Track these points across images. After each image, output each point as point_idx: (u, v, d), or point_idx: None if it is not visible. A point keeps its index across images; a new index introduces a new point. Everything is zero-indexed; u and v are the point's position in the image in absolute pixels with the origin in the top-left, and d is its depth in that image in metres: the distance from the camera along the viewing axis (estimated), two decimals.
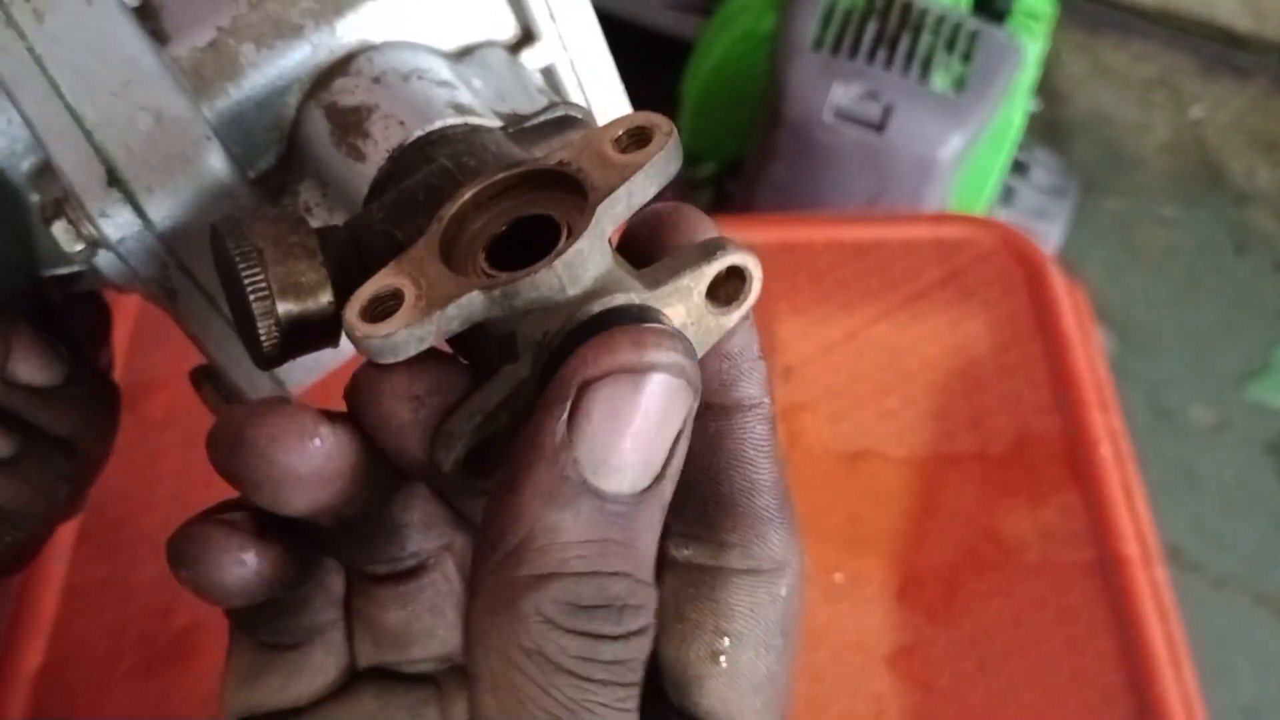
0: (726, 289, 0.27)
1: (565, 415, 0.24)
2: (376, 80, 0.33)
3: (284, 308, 0.28)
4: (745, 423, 0.28)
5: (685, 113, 1.37)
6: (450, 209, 0.27)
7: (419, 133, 0.32)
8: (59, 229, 0.33)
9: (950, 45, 1.22)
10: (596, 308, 0.26)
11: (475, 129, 0.32)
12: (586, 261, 0.26)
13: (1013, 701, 0.66)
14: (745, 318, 0.28)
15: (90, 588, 0.69)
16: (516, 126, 0.33)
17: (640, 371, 0.24)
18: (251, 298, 0.28)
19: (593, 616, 0.24)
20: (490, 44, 0.36)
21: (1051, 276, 0.83)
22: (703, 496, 0.28)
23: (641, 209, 0.27)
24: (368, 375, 0.27)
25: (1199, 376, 1.62)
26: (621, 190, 0.26)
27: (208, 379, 0.38)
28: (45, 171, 0.34)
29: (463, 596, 0.30)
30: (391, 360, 0.26)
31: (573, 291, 0.26)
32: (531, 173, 0.28)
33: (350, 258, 0.29)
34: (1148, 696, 0.65)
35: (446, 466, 0.26)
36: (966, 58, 1.21)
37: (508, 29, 0.37)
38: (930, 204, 1.23)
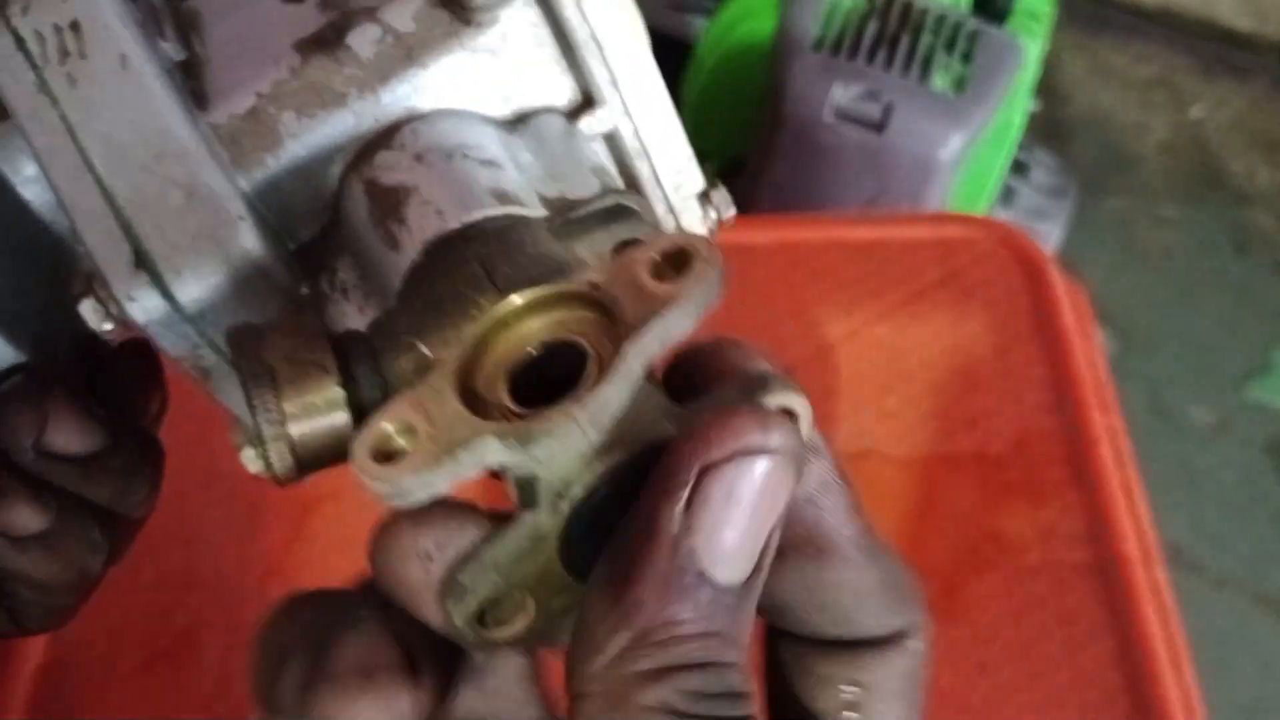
0: None
1: (684, 501, 0.23)
2: (419, 158, 0.31)
3: (297, 430, 0.27)
4: (836, 567, 0.28)
5: (685, 113, 1.37)
6: (471, 329, 0.26)
7: (454, 225, 0.30)
8: (87, 308, 0.31)
9: (950, 45, 1.21)
10: (618, 456, 0.24)
11: (515, 222, 0.30)
12: (610, 408, 0.24)
13: (1012, 701, 0.66)
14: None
15: None
16: (563, 217, 0.31)
17: (761, 454, 0.24)
18: (261, 421, 0.27)
19: (715, 705, 0.23)
20: (548, 109, 0.34)
21: (1051, 276, 0.83)
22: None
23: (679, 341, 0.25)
24: (377, 534, 0.26)
25: (1199, 377, 1.62)
26: (654, 329, 0.25)
27: (246, 441, 0.35)
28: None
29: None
30: (404, 506, 0.24)
31: (597, 439, 0.24)
32: (561, 294, 0.26)
33: (371, 372, 0.27)
34: (1147, 696, 0.65)
35: (458, 622, 0.25)
36: (967, 58, 1.21)
37: (566, 93, 0.34)
38: (930, 204, 1.23)
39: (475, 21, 0.32)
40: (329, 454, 0.27)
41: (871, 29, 1.21)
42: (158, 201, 0.30)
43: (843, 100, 1.19)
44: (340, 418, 0.27)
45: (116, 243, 0.30)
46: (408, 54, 0.32)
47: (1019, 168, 1.46)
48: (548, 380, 0.25)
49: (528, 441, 0.24)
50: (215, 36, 0.34)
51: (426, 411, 0.24)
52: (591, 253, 0.30)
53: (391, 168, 0.31)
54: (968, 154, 1.21)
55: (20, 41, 0.31)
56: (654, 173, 0.36)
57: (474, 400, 0.25)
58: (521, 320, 0.26)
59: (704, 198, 0.37)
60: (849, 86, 1.19)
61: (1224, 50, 1.94)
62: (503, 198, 0.30)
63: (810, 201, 1.26)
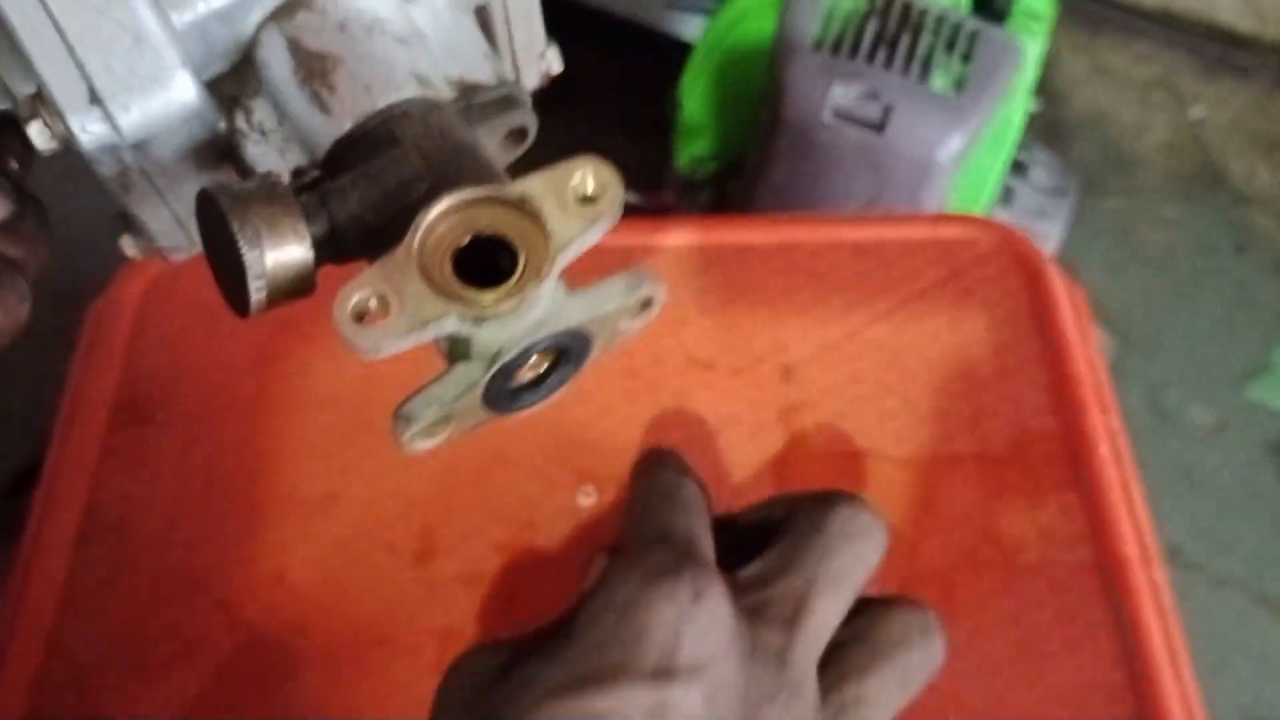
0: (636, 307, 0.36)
1: None
2: (341, 28, 0.36)
3: (274, 277, 0.32)
4: None
5: (685, 113, 1.37)
6: (425, 217, 0.32)
7: (383, 104, 0.35)
8: (35, 129, 0.35)
9: (950, 45, 1.21)
10: (544, 335, 0.33)
11: (432, 106, 0.36)
12: (544, 298, 0.32)
13: (1011, 701, 0.66)
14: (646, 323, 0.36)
15: (89, 588, 0.69)
16: (466, 100, 0.37)
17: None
18: (249, 273, 0.32)
19: None
20: None
21: (1051, 277, 0.83)
22: None
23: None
24: None
25: (1199, 377, 1.62)
26: (577, 241, 0.33)
27: (127, 228, 0.41)
28: (15, 55, 0.37)
29: None
30: (375, 359, 0.31)
31: (529, 317, 0.32)
32: (498, 198, 0.33)
33: (328, 236, 0.33)
34: (1147, 696, 0.65)
35: (402, 438, 0.33)
36: (966, 58, 1.21)
37: None
38: (930, 204, 1.23)
39: None
40: (292, 294, 0.33)
41: (871, 29, 1.21)
42: (109, 43, 0.34)
43: (842, 100, 1.19)
44: (308, 271, 0.33)
45: (72, 80, 0.34)
46: None
47: (1019, 168, 1.46)
48: (477, 268, 0.32)
49: (480, 321, 0.32)
50: None
51: (395, 284, 0.31)
52: (491, 137, 0.37)
53: (316, 32, 0.37)
54: (967, 154, 1.21)
55: None
56: (510, 38, 0.43)
57: (427, 273, 0.32)
58: (460, 210, 0.32)
59: (541, 56, 0.44)
60: (848, 87, 1.19)
61: (1224, 50, 1.94)
62: (422, 81, 0.36)
63: (810, 202, 1.26)
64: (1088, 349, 0.79)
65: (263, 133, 0.38)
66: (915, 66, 1.19)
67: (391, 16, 0.37)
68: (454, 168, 0.34)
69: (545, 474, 0.75)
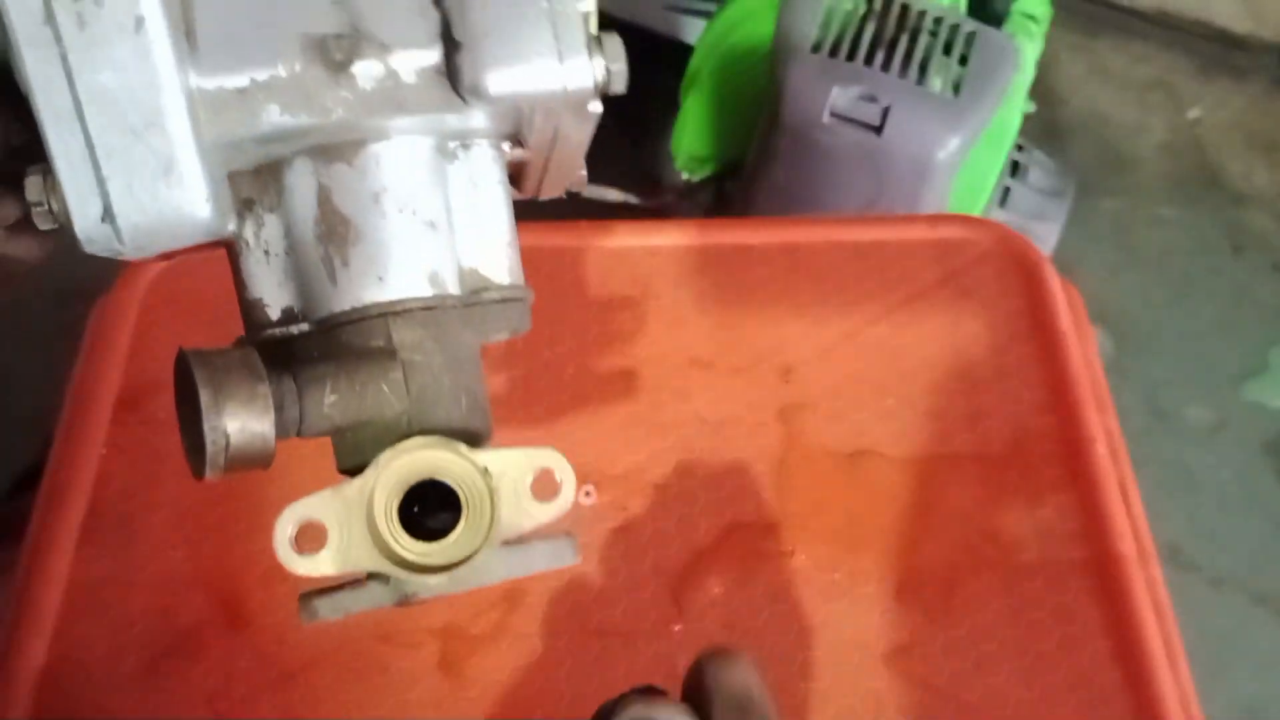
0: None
1: None
2: (375, 199, 0.36)
3: (236, 447, 0.33)
4: None
5: (684, 114, 1.37)
6: (388, 461, 0.34)
7: (387, 298, 0.36)
8: (38, 214, 0.34)
9: (948, 47, 1.22)
10: (460, 590, 0.35)
11: (436, 316, 0.36)
12: (473, 575, 0.35)
13: (1010, 700, 0.66)
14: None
15: (93, 587, 0.69)
16: (475, 299, 0.38)
17: None
18: (208, 440, 0.33)
19: None
20: (486, 139, 0.39)
21: (1048, 277, 0.83)
22: None
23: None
24: None
25: (1196, 377, 1.62)
26: (516, 528, 0.36)
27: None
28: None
29: None
30: (302, 576, 0.34)
31: (450, 588, 0.35)
32: (464, 457, 0.35)
33: (294, 424, 0.35)
34: (1145, 695, 0.66)
35: (303, 622, 0.36)
36: (964, 60, 1.21)
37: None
38: (928, 205, 1.23)
39: (468, 102, 0.36)
40: (252, 465, 0.34)
41: (869, 31, 1.21)
42: (138, 169, 0.33)
43: (841, 102, 1.19)
44: (268, 440, 0.34)
45: (89, 195, 0.33)
46: (400, 105, 0.35)
47: (1016, 169, 1.46)
48: (424, 505, 0.35)
49: (407, 589, 0.35)
50: None
51: (341, 520, 0.34)
52: (487, 337, 0.39)
53: (349, 193, 0.36)
54: (965, 155, 1.22)
55: None
56: (543, 180, 0.43)
57: (373, 522, 0.35)
58: (424, 450, 0.35)
59: (596, 41, 0.40)
60: (847, 88, 1.19)
61: (1221, 51, 1.95)
62: (434, 280, 0.36)
63: (809, 203, 1.26)
64: (1085, 349, 0.80)
65: (266, 253, 0.37)
66: (913, 68, 1.20)
67: (427, 197, 0.37)
68: (433, 405, 0.36)
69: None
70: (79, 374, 0.78)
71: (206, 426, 0.32)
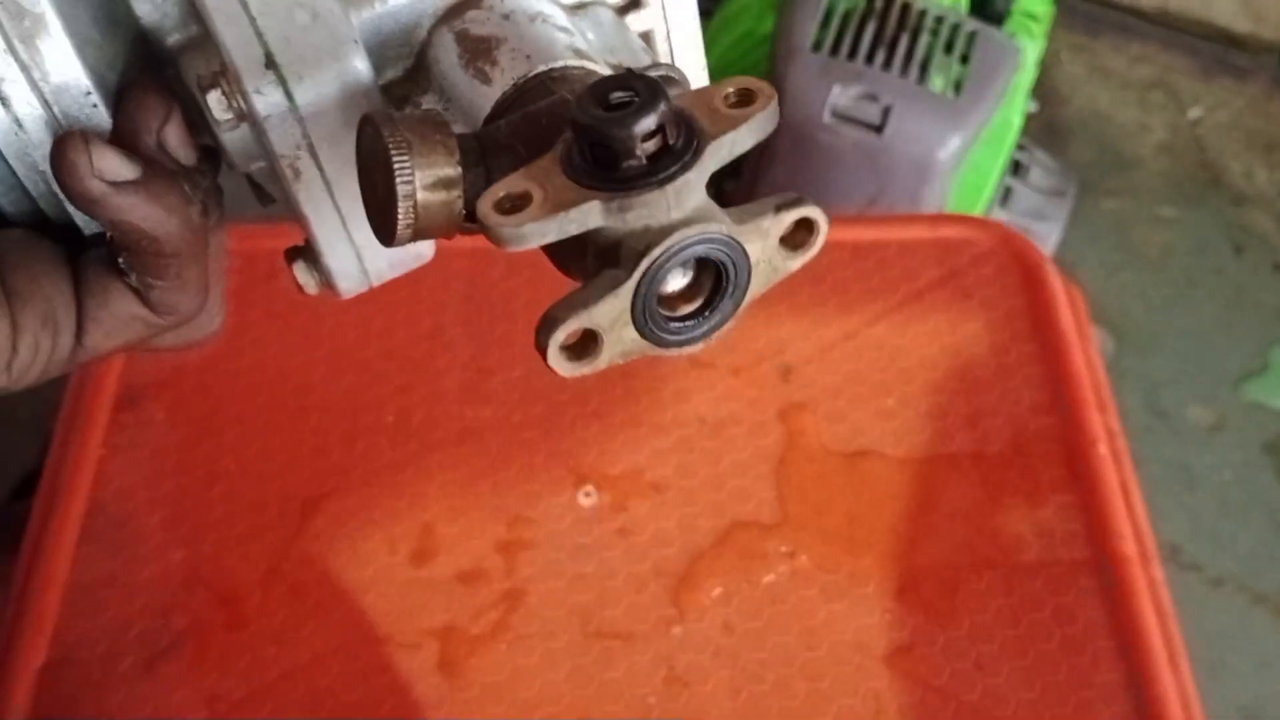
0: (795, 238, 0.35)
1: None
2: (506, 17, 0.38)
3: (423, 196, 0.32)
4: None
5: None
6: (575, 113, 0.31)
7: (542, 68, 0.36)
8: (213, 98, 0.36)
9: (949, 46, 1.22)
10: (694, 231, 0.30)
11: (590, 73, 0.36)
12: (692, 192, 0.31)
13: (1010, 700, 0.66)
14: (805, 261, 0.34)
15: (92, 587, 0.69)
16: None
17: None
18: (398, 180, 0.32)
19: None
20: (601, 3, 0.41)
21: (1049, 277, 0.83)
22: None
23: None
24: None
25: (1197, 377, 1.62)
26: (728, 137, 0.31)
27: (300, 257, 0.41)
28: (200, 46, 0.38)
29: None
30: (514, 249, 0.30)
31: (676, 215, 0.30)
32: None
33: (478, 163, 0.33)
34: (1145, 695, 0.66)
35: (549, 347, 0.31)
36: (965, 59, 1.21)
37: None
38: (929, 205, 1.23)
39: None
40: (439, 223, 0.33)
41: (870, 30, 1.21)
42: (287, 17, 0.36)
43: (841, 101, 1.19)
44: (456, 192, 0.33)
45: (250, 45, 0.35)
46: None
47: (1017, 168, 1.46)
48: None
49: (627, 209, 0.30)
50: None
51: (540, 183, 0.31)
52: None
53: (481, 23, 0.38)
54: (966, 155, 1.22)
55: None
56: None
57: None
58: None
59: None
60: (847, 88, 1.19)
61: (1222, 51, 1.95)
62: (579, 54, 0.37)
63: None
64: (1086, 349, 0.80)
65: None
66: (914, 68, 1.20)
67: (555, 13, 0.39)
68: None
69: (545, 474, 0.75)
70: (77, 374, 0.78)
71: (397, 171, 0.32)
